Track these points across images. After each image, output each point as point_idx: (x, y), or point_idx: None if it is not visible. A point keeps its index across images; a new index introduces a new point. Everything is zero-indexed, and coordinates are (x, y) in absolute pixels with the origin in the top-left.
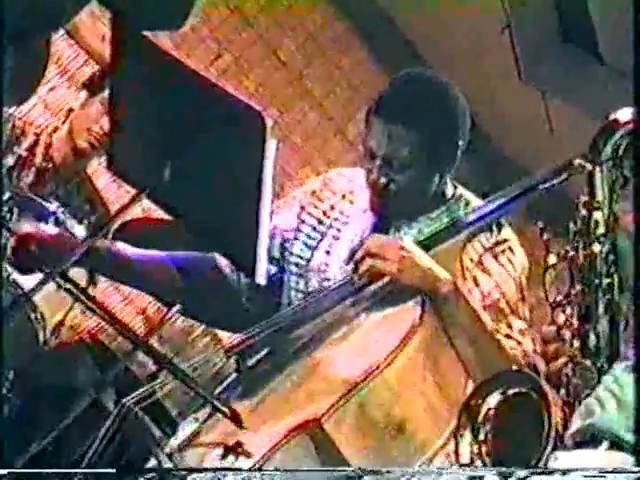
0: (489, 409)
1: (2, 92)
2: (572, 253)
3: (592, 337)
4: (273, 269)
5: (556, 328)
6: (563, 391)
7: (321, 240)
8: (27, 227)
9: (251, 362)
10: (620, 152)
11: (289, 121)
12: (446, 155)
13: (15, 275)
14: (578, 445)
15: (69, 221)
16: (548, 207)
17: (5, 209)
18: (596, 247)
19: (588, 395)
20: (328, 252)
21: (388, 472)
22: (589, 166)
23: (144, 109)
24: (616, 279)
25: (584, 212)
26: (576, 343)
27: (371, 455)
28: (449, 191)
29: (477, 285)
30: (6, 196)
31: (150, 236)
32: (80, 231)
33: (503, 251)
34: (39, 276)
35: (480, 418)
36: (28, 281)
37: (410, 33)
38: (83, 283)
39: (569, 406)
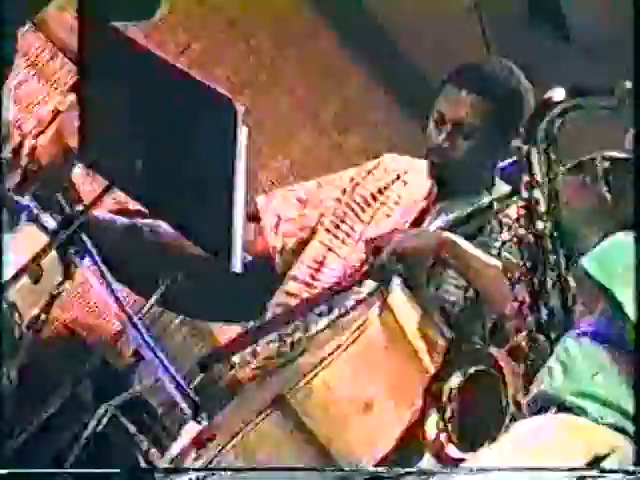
0: (452, 389)
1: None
2: (521, 232)
3: (544, 312)
4: (248, 257)
5: (518, 304)
6: (522, 365)
7: (372, 216)
8: None
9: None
10: (555, 131)
11: (261, 108)
12: (509, 134)
13: None
14: (534, 413)
15: (43, 215)
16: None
17: None
18: (540, 225)
19: (542, 366)
20: (378, 226)
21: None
22: (525, 147)
23: (114, 100)
24: (562, 255)
25: (525, 191)
26: (530, 318)
27: (339, 430)
28: (497, 184)
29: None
30: None
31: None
32: (52, 223)
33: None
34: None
35: (444, 398)
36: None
37: (380, 16)
38: (59, 277)
39: (528, 378)
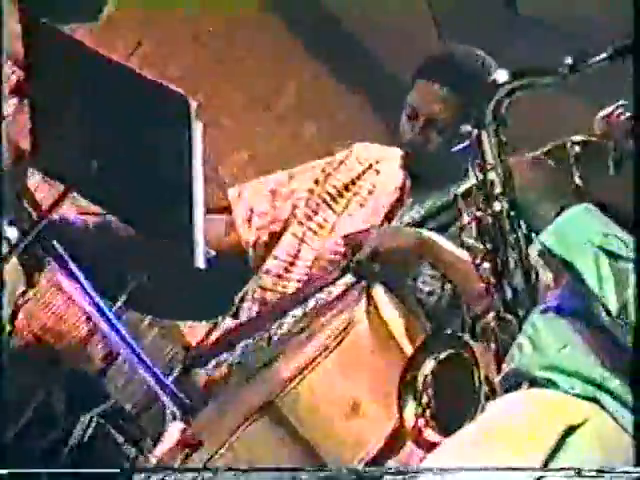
0: (426, 376)
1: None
2: (479, 214)
3: (509, 291)
4: (212, 252)
5: (485, 285)
6: (493, 345)
7: (345, 207)
8: None
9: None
10: (502, 112)
11: (217, 104)
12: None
13: None
14: (507, 391)
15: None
16: None
17: None
18: (496, 206)
19: (509, 344)
20: (351, 216)
21: (365, 472)
22: (475, 131)
23: (66, 104)
24: (521, 233)
25: (479, 174)
26: (496, 298)
27: (327, 434)
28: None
29: None
30: None
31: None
32: (12, 233)
33: None
34: None
35: (420, 386)
36: None
37: (328, 3)
38: (22, 285)
39: (499, 357)
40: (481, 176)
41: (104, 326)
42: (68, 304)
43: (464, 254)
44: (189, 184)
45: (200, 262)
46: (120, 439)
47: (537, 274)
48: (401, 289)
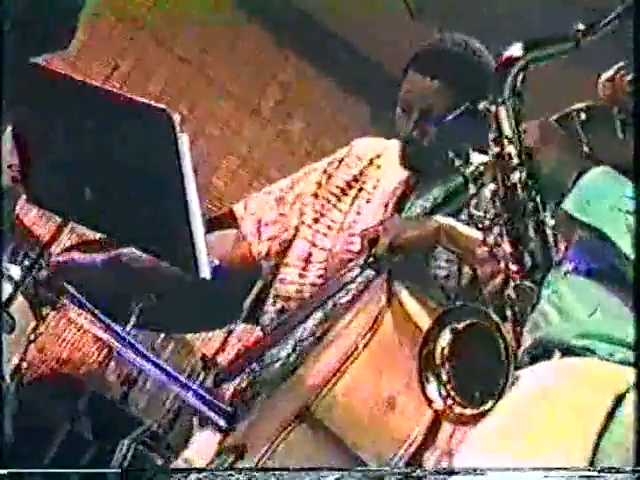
0: (443, 348)
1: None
2: (493, 186)
3: (527, 258)
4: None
5: (488, 249)
6: (509, 312)
7: (352, 204)
8: None
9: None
10: (518, 86)
11: (201, 114)
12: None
13: None
14: (532, 360)
15: (4, 264)
16: None
17: None
18: (515, 177)
19: (532, 311)
20: (359, 213)
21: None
22: (493, 107)
23: (51, 134)
24: (539, 200)
25: (496, 148)
26: (513, 267)
27: (366, 433)
28: (472, 156)
29: None
30: None
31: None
32: (16, 272)
33: None
34: None
35: (437, 360)
36: None
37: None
38: (32, 322)
39: (517, 325)
40: (498, 149)
41: (123, 350)
42: (81, 334)
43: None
44: (183, 196)
45: (205, 272)
46: (156, 458)
47: (556, 239)
48: (420, 278)
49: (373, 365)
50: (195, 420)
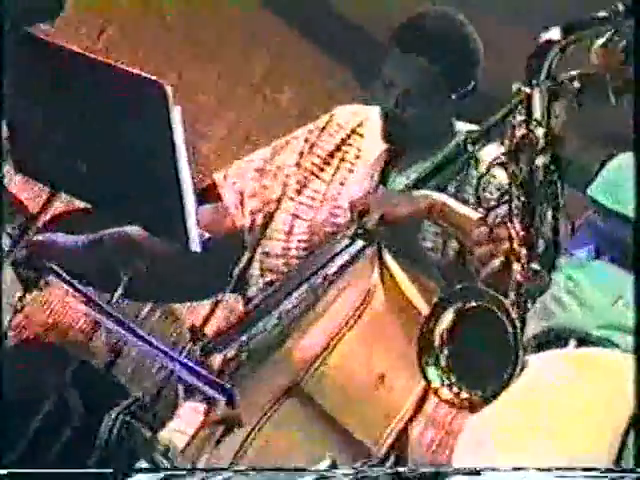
0: (444, 330)
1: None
2: (512, 168)
3: (540, 242)
4: (205, 234)
5: (488, 229)
6: (513, 296)
7: (334, 174)
8: None
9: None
10: (554, 70)
11: (189, 81)
12: (461, 90)
13: None
14: (540, 346)
15: None
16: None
17: None
18: (540, 160)
19: (540, 296)
20: (342, 183)
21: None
22: (528, 90)
23: (41, 104)
24: (559, 185)
25: (523, 130)
26: (523, 250)
27: (355, 409)
28: (458, 126)
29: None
30: None
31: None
32: (5, 241)
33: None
34: None
35: (437, 342)
36: None
37: None
38: (19, 293)
39: (522, 310)
40: (525, 132)
41: (110, 324)
42: (68, 302)
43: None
44: (175, 169)
45: (195, 245)
46: (144, 429)
47: (573, 225)
48: (409, 250)
49: (364, 340)
50: (180, 390)
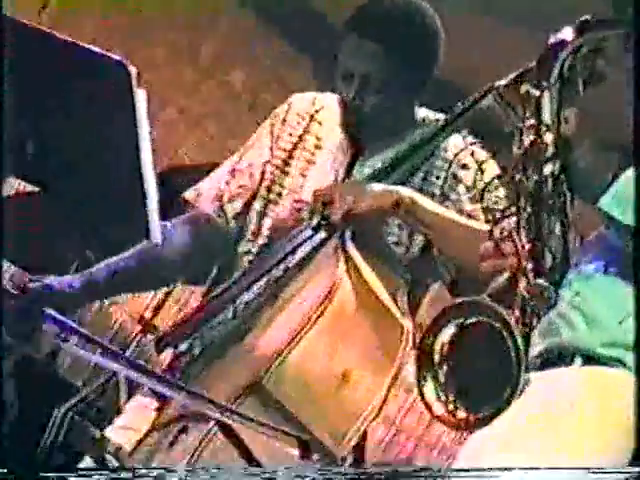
0: (443, 344)
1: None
2: (518, 176)
3: (547, 257)
4: (168, 225)
5: (493, 244)
6: (517, 312)
7: (296, 166)
8: None
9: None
10: (566, 72)
11: (137, 61)
12: (421, 77)
13: None
14: (543, 364)
15: None
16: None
17: None
18: (548, 168)
19: (547, 312)
20: (303, 175)
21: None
22: (537, 92)
23: None
24: (569, 196)
25: (532, 136)
26: (529, 265)
27: (319, 408)
28: (420, 113)
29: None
30: None
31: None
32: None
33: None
34: None
35: (436, 358)
36: None
37: None
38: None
39: (527, 327)
40: (533, 137)
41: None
42: None
43: (451, 215)
44: (137, 155)
45: (156, 237)
46: (91, 427)
47: (582, 239)
48: (373, 243)
49: (328, 336)
50: (122, 385)
